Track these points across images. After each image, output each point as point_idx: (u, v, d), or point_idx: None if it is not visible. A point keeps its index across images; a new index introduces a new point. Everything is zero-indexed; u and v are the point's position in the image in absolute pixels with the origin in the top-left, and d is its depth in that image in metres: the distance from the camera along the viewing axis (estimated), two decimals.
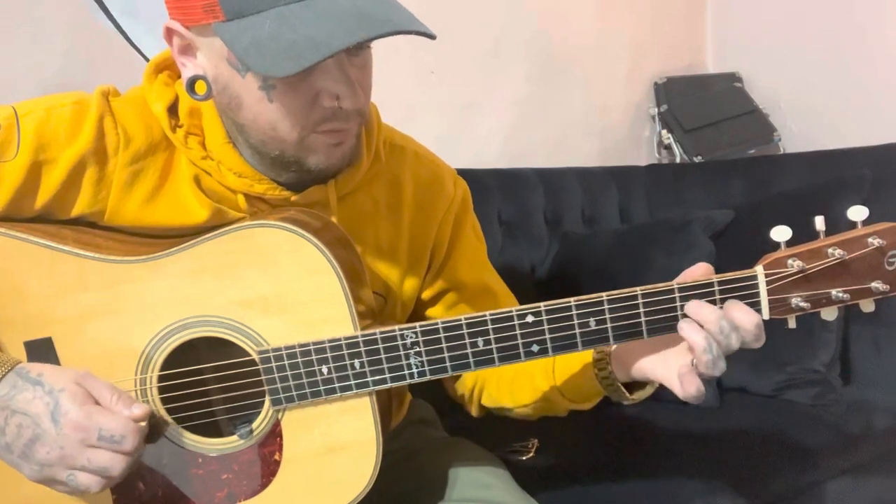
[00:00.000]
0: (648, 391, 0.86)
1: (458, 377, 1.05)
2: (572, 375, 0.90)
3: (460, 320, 0.78)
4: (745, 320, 0.74)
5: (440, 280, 1.01)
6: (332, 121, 0.80)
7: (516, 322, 0.77)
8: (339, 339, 0.79)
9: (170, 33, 0.80)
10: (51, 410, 0.73)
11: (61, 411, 0.73)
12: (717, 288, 0.76)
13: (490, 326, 0.78)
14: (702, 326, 0.74)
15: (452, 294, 1.02)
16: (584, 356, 0.88)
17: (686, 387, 0.76)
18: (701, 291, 0.76)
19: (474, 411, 1.05)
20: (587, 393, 0.90)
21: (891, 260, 0.74)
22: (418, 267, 0.99)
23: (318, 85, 0.78)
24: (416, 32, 0.71)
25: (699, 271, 0.78)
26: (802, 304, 0.76)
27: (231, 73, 0.78)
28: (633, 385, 0.87)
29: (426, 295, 1.01)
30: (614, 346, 0.85)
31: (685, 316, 0.76)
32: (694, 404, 1.51)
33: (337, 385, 0.80)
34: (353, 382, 0.79)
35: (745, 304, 0.76)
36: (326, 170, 0.84)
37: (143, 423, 0.76)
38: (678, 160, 2.26)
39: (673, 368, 0.78)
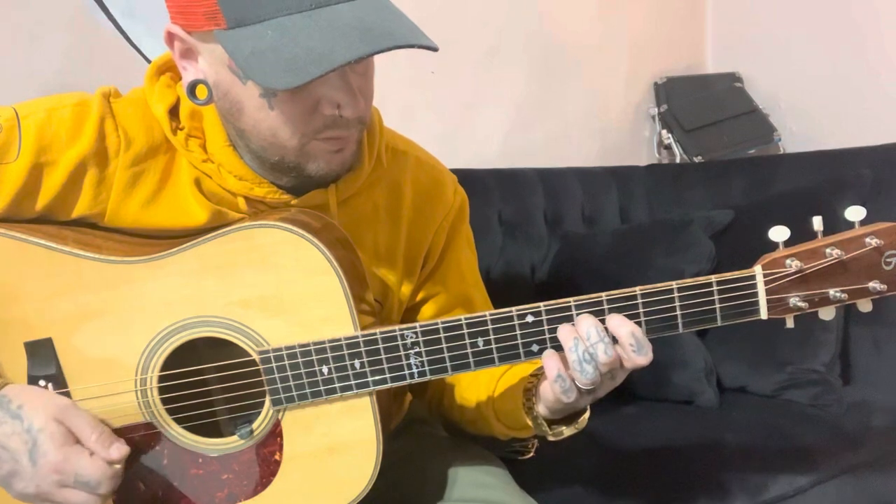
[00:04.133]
0: (570, 431, 0.85)
1: (424, 390, 1.05)
2: (507, 397, 0.90)
3: (460, 320, 0.78)
4: (617, 327, 0.75)
5: (428, 285, 1.01)
6: (333, 128, 0.80)
7: (516, 322, 0.78)
8: (339, 339, 0.79)
9: (171, 37, 0.79)
10: (29, 449, 0.74)
11: (39, 452, 0.74)
12: (715, 288, 0.76)
13: (490, 326, 0.78)
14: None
15: (436, 301, 1.01)
16: (521, 381, 0.88)
17: (548, 367, 0.76)
18: (699, 291, 0.76)
19: (439, 421, 1.06)
20: (517, 420, 0.89)
21: (888, 260, 0.74)
22: (414, 271, 0.99)
23: (319, 93, 0.78)
24: (417, 46, 0.71)
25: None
26: (801, 304, 0.76)
27: (232, 79, 0.77)
28: (557, 422, 0.86)
29: (416, 298, 1.01)
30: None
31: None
32: (699, 401, 1.51)
33: (337, 385, 0.80)
34: (353, 382, 0.80)
35: (744, 303, 0.76)
36: (326, 176, 0.84)
37: (119, 466, 0.77)
38: (678, 160, 2.26)
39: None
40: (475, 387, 0.96)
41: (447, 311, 1.01)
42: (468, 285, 1.03)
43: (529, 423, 0.86)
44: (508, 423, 0.92)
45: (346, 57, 0.70)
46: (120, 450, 0.77)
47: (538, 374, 0.84)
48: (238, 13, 0.72)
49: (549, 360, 0.77)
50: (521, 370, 0.91)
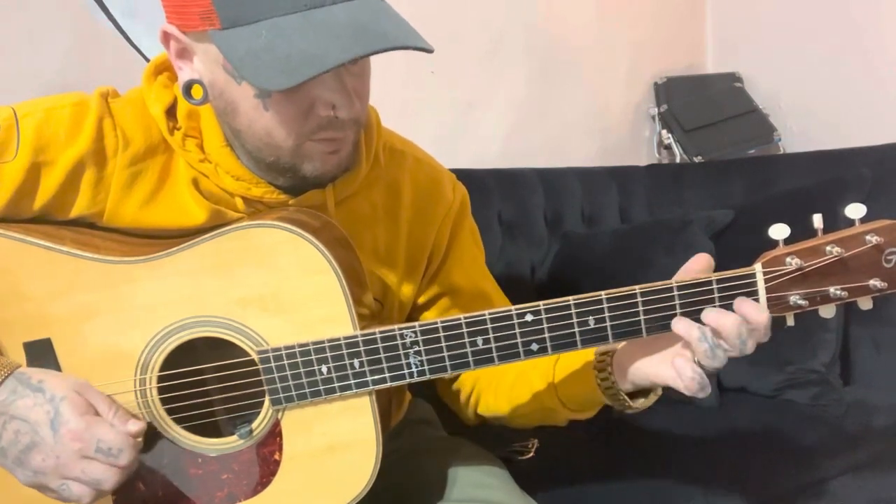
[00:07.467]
0: (651, 400, 0.86)
1: (453, 383, 1.04)
2: (573, 382, 0.90)
3: (459, 319, 0.78)
4: (757, 318, 0.75)
5: (435, 284, 1.01)
6: (328, 129, 0.80)
7: (515, 321, 0.77)
8: (338, 339, 0.79)
9: (166, 37, 0.80)
10: (51, 419, 0.73)
11: (61, 420, 0.73)
12: (715, 286, 0.76)
13: (489, 325, 0.78)
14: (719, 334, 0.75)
15: (447, 299, 1.01)
16: (587, 364, 0.88)
17: (681, 370, 0.76)
18: (699, 290, 0.76)
19: (469, 420, 1.05)
20: (587, 401, 0.89)
21: (888, 257, 0.74)
22: (416, 271, 0.98)
23: (314, 94, 0.77)
24: (412, 47, 0.71)
25: (699, 265, 0.78)
26: (801, 302, 0.76)
27: (227, 79, 0.77)
28: (634, 394, 0.86)
29: (421, 299, 1.01)
30: (616, 353, 0.84)
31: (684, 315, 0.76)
32: (699, 401, 1.51)
33: (336, 385, 0.80)
34: (352, 382, 0.79)
35: None
36: (322, 177, 0.84)
37: (139, 440, 0.76)
38: (678, 160, 2.26)
39: (671, 365, 0.78)
40: (525, 382, 0.95)
41: (465, 306, 1.00)
42: (479, 278, 1.03)
43: (607, 401, 0.86)
44: (576, 406, 0.92)
45: (340, 58, 0.70)
46: (138, 424, 0.77)
47: (608, 352, 0.85)
48: (233, 13, 0.72)
49: (685, 365, 0.76)
50: (572, 358, 0.90)
